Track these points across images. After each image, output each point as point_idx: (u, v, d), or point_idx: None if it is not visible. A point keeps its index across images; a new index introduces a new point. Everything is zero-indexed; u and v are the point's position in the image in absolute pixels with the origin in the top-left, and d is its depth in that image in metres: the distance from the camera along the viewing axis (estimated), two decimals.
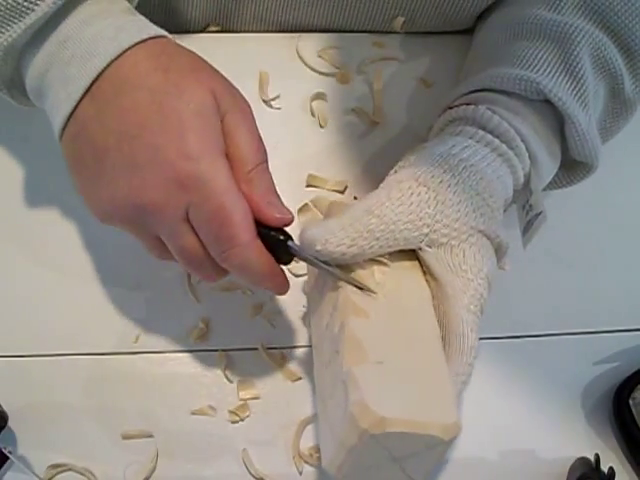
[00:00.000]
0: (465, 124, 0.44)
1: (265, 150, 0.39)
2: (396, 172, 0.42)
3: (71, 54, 0.36)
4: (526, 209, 0.44)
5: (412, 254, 0.41)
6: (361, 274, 0.38)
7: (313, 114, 0.56)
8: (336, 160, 0.55)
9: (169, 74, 0.36)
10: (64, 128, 0.37)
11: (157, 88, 0.36)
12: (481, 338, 0.51)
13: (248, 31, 0.58)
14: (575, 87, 0.44)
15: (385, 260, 0.40)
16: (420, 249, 0.39)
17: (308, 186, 0.54)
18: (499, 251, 0.41)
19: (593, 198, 0.55)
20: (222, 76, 0.39)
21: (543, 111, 0.44)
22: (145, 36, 0.37)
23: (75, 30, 0.37)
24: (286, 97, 0.56)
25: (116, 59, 0.36)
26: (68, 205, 0.52)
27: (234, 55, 0.57)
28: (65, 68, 0.36)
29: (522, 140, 0.43)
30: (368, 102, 0.57)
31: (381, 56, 0.58)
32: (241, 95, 0.39)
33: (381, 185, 0.41)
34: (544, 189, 0.48)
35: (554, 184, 0.49)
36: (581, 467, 0.47)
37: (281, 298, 0.51)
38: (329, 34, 0.58)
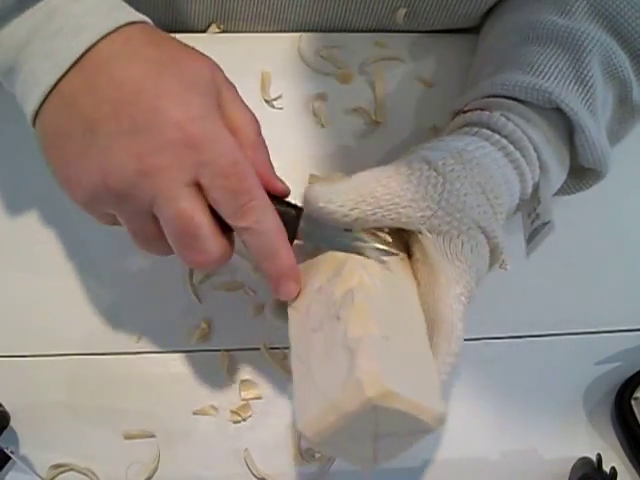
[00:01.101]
0: (480, 127, 0.44)
1: (259, 124, 0.39)
2: (407, 154, 0.42)
3: (58, 27, 0.35)
4: (532, 217, 0.44)
5: (403, 246, 0.41)
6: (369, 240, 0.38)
7: (315, 114, 0.56)
8: (338, 160, 0.55)
9: (164, 48, 0.36)
10: (43, 102, 0.35)
11: (154, 59, 0.35)
12: (482, 338, 0.52)
13: (250, 31, 0.58)
14: (585, 95, 0.44)
15: (388, 237, 0.40)
16: (420, 232, 0.39)
17: None
18: (494, 252, 0.41)
19: (593, 198, 0.55)
20: (209, 57, 0.39)
21: (554, 119, 0.44)
22: (139, 18, 0.37)
23: (62, 4, 0.35)
24: (288, 97, 0.56)
25: (109, 34, 0.35)
26: (67, 204, 0.52)
27: (236, 55, 0.57)
28: (49, 41, 0.35)
29: (534, 149, 0.43)
30: (370, 102, 0.57)
31: (383, 56, 0.58)
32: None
33: (390, 164, 0.40)
34: (553, 196, 0.48)
35: (562, 191, 0.49)
36: (583, 467, 0.47)
37: None
38: (331, 34, 0.58)
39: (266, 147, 0.40)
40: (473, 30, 0.58)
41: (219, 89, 0.37)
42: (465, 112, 0.46)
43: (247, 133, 0.38)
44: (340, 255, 0.38)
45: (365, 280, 0.36)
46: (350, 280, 0.36)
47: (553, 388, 0.51)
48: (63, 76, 0.35)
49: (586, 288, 0.54)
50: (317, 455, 0.47)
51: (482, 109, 0.45)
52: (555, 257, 0.54)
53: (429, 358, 0.36)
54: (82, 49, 0.34)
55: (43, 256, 0.51)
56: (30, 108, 0.36)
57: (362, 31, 0.58)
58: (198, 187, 0.35)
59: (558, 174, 0.46)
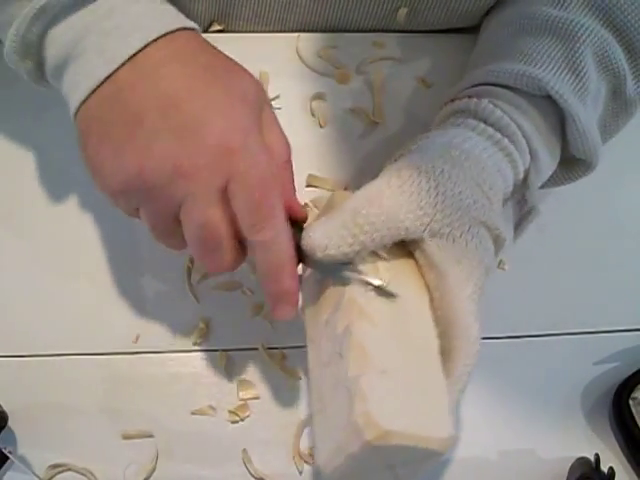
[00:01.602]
0: (467, 117, 0.44)
1: (291, 149, 0.40)
2: (396, 160, 0.42)
3: (115, 25, 0.36)
4: (521, 204, 0.44)
5: (407, 251, 0.40)
6: (367, 271, 0.38)
7: (313, 114, 0.56)
8: (336, 160, 0.55)
9: (216, 58, 0.38)
10: (91, 93, 0.36)
11: (207, 67, 0.36)
12: (481, 338, 0.51)
13: (248, 31, 0.58)
14: (577, 84, 0.44)
15: (385, 255, 0.39)
16: (422, 240, 0.38)
17: (308, 186, 0.54)
18: (497, 243, 0.41)
19: (593, 198, 0.55)
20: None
21: (544, 107, 0.44)
22: (188, 26, 0.38)
23: (123, 3, 0.36)
24: (286, 97, 0.56)
25: (165, 35, 0.36)
26: (67, 205, 0.52)
27: (234, 55, 0.56)
28: (105, 38, 0.36)
29: (523, 135, 0.43)
30: (368, 102, 0.57)
31: (381, 56, 0.58)
32: None
33: (380, 174, 0.40)
34: (543, 186, 0.48)
35: (553, 181, 0.49)
36: (581, 467, 0.47)
37: None
38: (329, 34, 0.58)
39: (293, 173, 0.41)
40: (472, 30, 0.58)
41: (262, 107, 0.38)
42: (454, 100, 0.46)
43: (280, 155, 0.39)
44: (339, 282, 0.38)
45: (365, 310, 0.36)
46: (348, 314, 0.36)
47: (551, 388, 0.51)
48: (114, 72, 0.35)
49: (584, 288, 0.54)
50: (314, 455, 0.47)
51: (470, 97, 0.45)
52: (553, 257, 0.54)
53: (437, 379, 0.36)
54: (137, 47, 0.35)
55: (43, 256, 0.51)
56: (77, 98, 0.36)
57: (361, 31, 0.58)
58: (226, 195, 0.36)
59: (548, 162, 0.45)
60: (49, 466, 0.46)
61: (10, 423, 0.46)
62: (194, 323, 0.50)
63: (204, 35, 0.57)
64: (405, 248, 0.40)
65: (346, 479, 0.34)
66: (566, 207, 0.54)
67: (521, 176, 0.43)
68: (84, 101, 0.36)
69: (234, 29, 0.58)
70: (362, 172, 0.54)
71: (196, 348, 0.49)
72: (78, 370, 0.48)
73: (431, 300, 0.39)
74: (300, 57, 0.57)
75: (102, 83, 0.35)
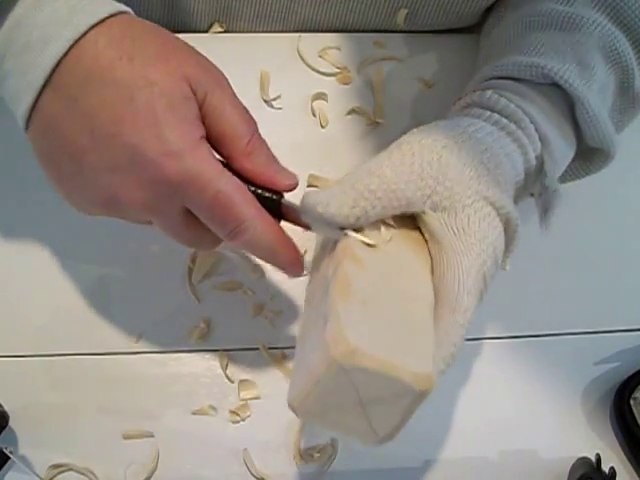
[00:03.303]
0: (473, 107, 0.44)
1: (254, 120, 0.39)
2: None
3: (25, 41, 0.34)
4: (542, 194, 0.43)
5: (415, 226, 0.40)
6: (367, 232, 0.37)
7: (314, 114, 0.56)
8: (337, 160, 0.55)
9: (135, 63, 0.34)
10: (29, 119, 0.36)
11: (125, 82, 0.34)
12: (481, 338, 0.52)
13: (250, 31, 0.58)
14: (583, 73, 0.43)
15: (392, 223, 0.39)
16: (424, 212, 0.38)
17: (309, 186, 0.54)
18: (508, 227, 0.40)
19: (593, 198, 0.55)
20: (192, 53, 0.37)
21: (552, 95, 0.44)
22: (103, 15, 0.34)
23: (26, 14, 0.34)
24: (287, 97, 0.56)
25: (74, 45, 0.34)
26: (67, 205, 0.52)
27: (235, 55, 0.57)
28: (21, 56, 0.34)
29: (531, 121, 0.42)
30: (369, 102, 0.57)
31: (382, 56, 0.58)
32: (215, 68, 0.38)
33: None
34: (565, 181, 0.48)
35: (573, 174, 0.49)
36: (582, 467, 0.47)
37: (281, 298, 0.51)
38: (330, 34, 0.58)
39: (264, 142, 0.39)
40: (473, 30, 0.58)
41: (204, 96, 0.36)
42: (461, 98, 0.46)
43: (242, 137, 0.37)
44: (337, 242, 0.37)
45: (356, 254, 0.35)
46: (341, 257, 0.35)
47: (552, 388, 0.51)
48: (39, 96, 0.34)
49: (585, 288, 0.54)
50: (316, 455, 0.47)
51: (476, 91, 0.44)
52: (553, 257, 0.54)
53: (425, 327, 0.34)
54: (50, 65, 0.34)
55: (42, 256, 0.51)
56: (20, 122, 0.36)
57: (362, 31, 0.58)
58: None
59: (562, 147, 0.45)
60: (50, 466, 0.46)
61: (11, 423, 0.46)
62: (195, 323, 0.50)
63: (204, 35, 0.58)
64: (414, 222, 0.40)
65: (315, 418, 0.32)
66: (566, 207, 0.54)
67: (533, 163, 0.42)
68: (26, 128, 0.36)
69: (235, 29, 0.58)
70: None
71: (197, 348, 0.49)
72: (79, 370, 0.48)
73: (433, 274, 0.38)
74: (301, 57, 0.57)
75: (33, 108, 0.35)
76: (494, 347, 0.51)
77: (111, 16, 0.35)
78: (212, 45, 0.57)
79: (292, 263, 0.39)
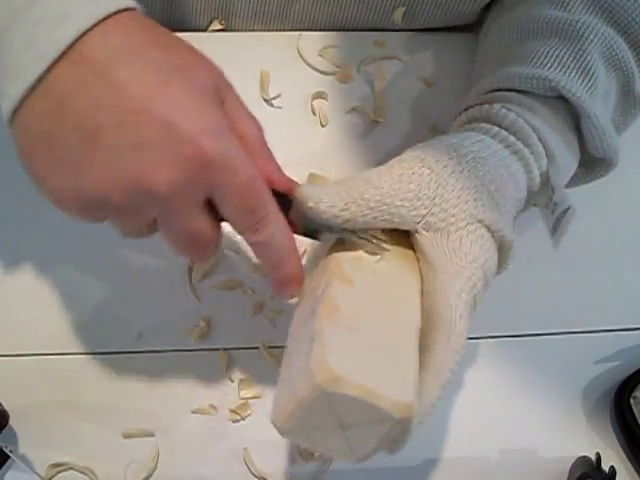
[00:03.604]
0: (480, 122, 0.43)
1: (262, 127, 0.39)
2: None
3: (41, 13, 0.30)
4: (551, 208, 0.43)
5: (410, 243, 0.40)
6: (358, 244, 0.38)
7: (314, 113, 0.56)
8: (337, 159, 0.55)
9: (170, 50, 0.33)
10: (26, 99, 0.31)
11: (159, 63, 0.31)
12: (481, 337, 0.52)
13: (248, 29, 0.58)
14: (587, 83, 0.43)
15: (382, 236, 0.39)
16: (416, 231, 0.38)
17: None
18: (502, 248, 0.40)
19: (593, 198, 0.55)
20: (212, 60, 0.37)
21: (557, 107, 0.44)
22: (129, 4, 0.32)
23: None
24: (287, 96, 0.56)
25: (101, 22, 0.31)
26: None
27: (235, 54, 0.57)
28: (31, 28, 0.30)
29: (538, 138, 0.42)
30: (369, 101, 0.57)
31: (382, 55, 0.58)
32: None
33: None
34: (566, 186, 0.48)
35: (573, 182, 0.49)
36: (582, 466, 0.47)
37: None
38: (330, 33, 0.58)
39: (269, 149, 0.39)
40: (472, 28, 0.58)
41: (224, 96, 0.35)
42: (466, 110, 0.46)
43: (254, 141, 0.37)
44: (329, 252, 0.38)
45: (346, 273, 0.36)
46: (330, 275, 0.36)
47: (552, 387, 0.51)
48: (49, 70, 0.30)
49: (585, 287, 0.54)
50: (316, 454, 0.47)
51: (482, 104, 0.44)
52: (553, 257, 0.54)
53: (409, 353, 0.35)
54: (70, 38, 0.30)
55: (42, 256, 0.51)
56: (7, 105, 0.31)
57: (360, 29, 0.58)
58: (210, 203, 0.34)
59: (568, 162, 0.45)
60: (50, 465, 0.46)
61: (11, 422, 0.46)
62: (195, 322, 0.50)
63: (204, 34, 0.58)
64: (406, 237, 0.40)
65: (296, 436, 0.33)
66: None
67: (537, 181, 0.43)
68: (17, 109, 0.31)
69: (234, 27, 0.58)
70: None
71: (197, 347, 0.49)
72: (79, 369, 0.48)
73: (423, 293, 0.39)
74: (301, 56, 0.57)
75: (35, 85, 0.30)
76: (493, 347, 0.51)
77: (133, 9, 0.33)
78: (212, 44, 0.57)
79: (294, 277, 0.38)
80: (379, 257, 0.38)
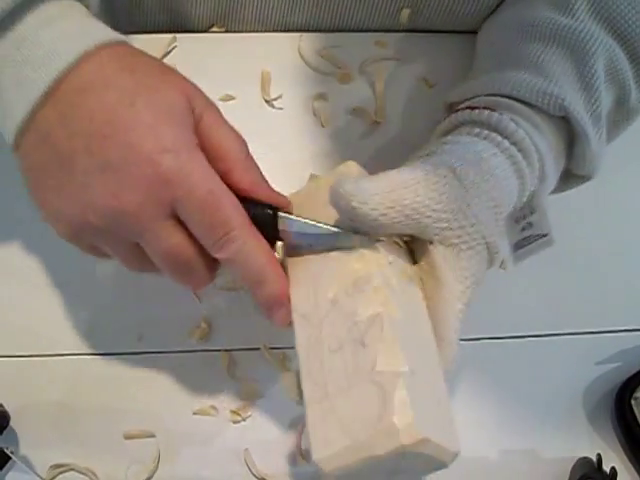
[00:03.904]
0: (487, 129, 0.42)
1: (246, 142, 0.39)
2: (428, 155, 0.41)
3: (27, 55, 0.34)
4: (522, 224, 0.43)
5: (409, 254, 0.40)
6: (368, 251, 0.37)
7: (315, 114, 0.56)
8: (338, 160, 0.55)
9: (137, 75, 0.35)
10: (20, 135, 0.35)
11: (127, 88, 0.34)
12: (481, 338, 0.52)
13: (250, 31, 0.58)
14: (589, 101, 0.43)
15: (400, 242, 0.39)
16: (431, 243, 0.38)
17: None
18: (491, 263, 0.41)
19: (593, 198, 0.55)
20: (189, 80, 0.38)
21: (559, 127, 0.43)
22: (108, 39, 0.35)
23: (33, 30, 0.34)
24: (288, 97, 0.56)
25: (79, 61, 0.34)
26: None
27: (236, 55, 0.57)
28: (20, 69, 0.34)
29: (538, 159, 0.42)
30: (370, 102, 0.56)
31: (383, 56, 0.58)
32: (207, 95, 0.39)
33: (412, 165, 0.39)
34: None
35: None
36: (583, 467, 0.47)
37: None
38: (331, 34, 0.58)
39: (257, 165, 0.39)
40: (475, 31, 0.58)
41: (200, 115, 0.36)
42: (472, 108, 0.44)
43: (240, 152, 0.37)
44: (356, 265, 0.36)
45: (390, 301, 0.35)
46: (376, 301, 0.35)
47: (553, 388, 0.51)
48: (37, 108, 0.34)
49: (586, 288, 0.54)
50: None
51: (490, 108, 0.43)
52: (554, 257, 0.54)
53: (442, 385, 0.35)
54: (51, 79, 0.33)
55: (43, 256, 0.51)
56: (9, 141, 0.35)
57: (363, 31, 0.58)
58: (178, 219, 0.35)
59: (553, 181, 0.45)
60: (51, 466, 0.46)
61: (12, 423, 0.46)
62: (196, 323, 0.50)
63: (204, 35, 0.58)
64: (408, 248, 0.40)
65: (340, 478, 0.32)
66: (565, 207, 0.54)
67: (524, 199, 0.43)
68: (15, 145, 0.35)
69: (236, 30, 0.58)
70: None
71: (198, 348, 0.49)
72: (80, 370, 0.49)
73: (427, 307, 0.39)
74: (302, 57, 0.57)
75: (27, 122, 0.34)
76: (494, 347, 0.51)
77: (116, 44, 0.36)
78: (213, 45, 0.57)
79: (278, 298, 0.37)
80: (391, 261, 0.38)
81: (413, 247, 0.40)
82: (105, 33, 0.36)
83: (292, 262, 0.39)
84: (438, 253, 0.38)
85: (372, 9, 0.56)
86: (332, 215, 0.37)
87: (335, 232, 0.37)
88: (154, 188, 0.33)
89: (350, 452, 0.31)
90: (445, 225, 0.37)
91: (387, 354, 0.33)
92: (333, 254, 0.38)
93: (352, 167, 0.40)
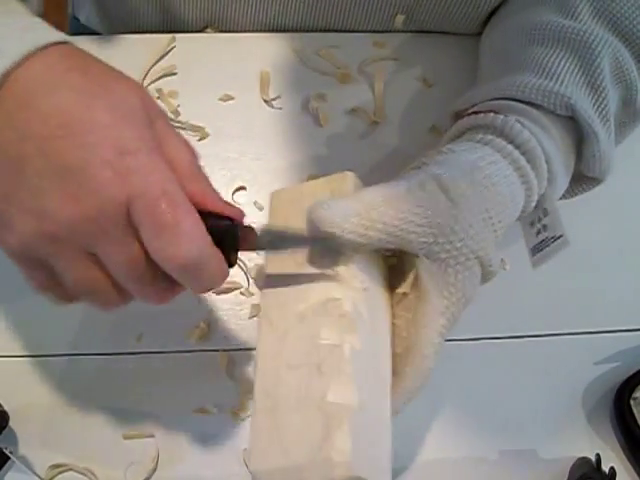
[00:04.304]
0: (492, 134, 0.42)
1: (196, 153, 0.37)
2: (419, 167, 0.40)
3: None
4: (537, 227, 0.43)
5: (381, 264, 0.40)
6: (345, 273, 0.36)
7: (314, 114, 0.56)
8: (337, 160, 0.55)
9: (90, 74, 0.32)
10: None
11: (81, 88, 0.32)
12: (481, 338, 0.52)
13: (243, 31, 0.58)
14: (597, 101, 0.43)
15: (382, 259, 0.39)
16: (417, 257, 0.37)
17: None
18: (485, 277, 0.40)
19: (593, 198, 0.55)
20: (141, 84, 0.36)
21: (566, 127, 0.43)
22: (54, 39, 0.33)
23: None
24: (287, 97, 0.56)
25: (24, 60, 0.31)
26: None
27: (235, 55, 0.57)
28: None
29: (546, 160, 0.41)
30: (369, 102, 0.57)
31: (382, 56, 0.58)
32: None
33: (401, 178, 0.39)
34: None
35: (561, 196, 0.48)
36: (582, 467, 0.47)
37: None
38: (330, 34, 0.58)
39: (206, 178, 0.36)
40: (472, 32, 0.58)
41: (152, 119, 0.34)
42: (477, 113, 0.44)
43: (185, 164, 0.35)
44: (330, 285, 0.36)
45: (355, 330, 0.35)
46: (340, 328, 0.35)
47: (552, 388, 0.51)
48: None
49: (585, 288, 0.54)
50: None
51: (494, 112, 0.43)
52: (554, 258, 0.54)
53: (388, 423, 0.36)
54: None
55: None
56: None
57: (361, 31, 0.58)
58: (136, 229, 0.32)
59: (563, 183, 0.44)
60: (50, 466, 0.46)
61: (11, 423, 0.46)
62: (195, 323, 0.50)
63: (203, 35, 0.58)
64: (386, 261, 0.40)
65: None
66: (565, 207, 0.54)
67: (533, 204, 0.42)
68: None
69: (228, 31, 0.58)
70: (363, 172, 0.54)
71: (197, 348, 0.49)
72: (79, 370, 0.49)
73: (393, 324, 0.39)
74: (301, 57, 0.57)
75: None
76: (494, 347, 0.51)
77: (60, 43, 0.33)
78: (212, 45, 0.57)
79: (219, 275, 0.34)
80: (365, 288, 0.37)
81: (401, 257, 0.39)
82: (50, 33, 0.33)
83: (270, 260, 0.39)
84: (423, 267, 0.37)
85: (366, 15, 0.56)
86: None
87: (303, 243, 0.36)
88: (114, 190, 0.31)
89: (285, 473, 0.32)
90: (432, 240, 0.37)
91: (340, 387, 0.33)
92: (311, 264, 0.37)
93: (348, 179, 0.39)
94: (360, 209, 0.35)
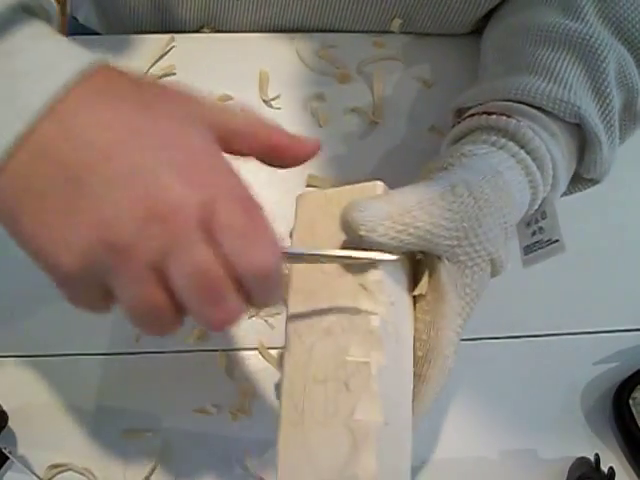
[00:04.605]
0: (504, 137, 0.42)
1: None
2: (446, 169, 0.40)
3: (22, 66, 0.29)
4: (533, 228, 0.43)
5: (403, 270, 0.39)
6: (374, 285, 0.36)
7: (313, 114, 0.56)
8: (336, 160, 0.55)
9: (145, 86, 0.32)
10: (7, 156, 0.28)
11: (139, 98, 0.30)
12: (481, 338, 0.52)
13: (247, 31, 0.58)
14: (601, 107, 0.43)
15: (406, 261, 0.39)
16: (439, 259, 0.38)
17: (308, 186, 0.54)
18: (492, 276, 0.41)
19: (592, 198, 0.55)
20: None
21: (572, 134, 0.43)
22: (103, 59, 0.31)
23: (28, 41, 0.29)
24: (286, 97, 0.56)
25: (81, 74, 0.29)
26: None
27: (234, 55, 0.57)
28: (12, 82, 0.28)
29: (553, 167, 0.42)
30: (368, 102, 0.57)
31: (381, 56, 0.58)
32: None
33: (427, 180, 0.39)
34: None
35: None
36: (581, 467, 0.47)
37: None
38: (329, 34, 0.58)
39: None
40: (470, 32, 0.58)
41: (205, 114, 0.33)
42: (488, 113, 0.44)
43: (260, 120, 0.34)
44: (359, 297, 0.36)
45: (382, 347, 0.35)
46: (368, 344, 0.34)
47: (551, 388, 0.51)
48: (33, 125, 0.28)
49: (584, 288, 0.54)
50: None
51: (506, 115, 0.43)
52: (553, 257, 0.54)
53: (409, 438, 0.37)
54: (53, 92, 0.28)
55: None
56: None
57: (360, 32, 0.58)
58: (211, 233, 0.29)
59: (564, 187, 0.45)
60: (49, 466, 0.46)
61: (10, 423, 0.46)
62: (194, 323, 0.50)
63: (202, 35, 0.58)
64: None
65: None
66: (565, 207, 0.54)
67: (535, 207, 0.43)
68: (7, 158, 0.28)
69: (224, 31, 0.58)
70: (362, 172, 0.54)
71: (197, 348, 0.49)
72: (79, 370, 0.49)
73: (416, 327, 0.39)
74: (300, 57, 0.57)
75: (21, 139, 0.28)
76: (494, 347, 0.51)
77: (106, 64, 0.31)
78: (211, 45, 0.57)
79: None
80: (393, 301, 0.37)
81: (422, 258, 0.39)
82: (97, 56, 0.31)
83: (296, 270, 0.39)
84: (444, 269, 0.38)
85: (364, 16, 0.56)
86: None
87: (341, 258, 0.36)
88: (184, 191, 0.29)
89: None
90: (456, 243, 0.37)
91: (367, 404, 0.33)
92: (338, 275, 0.36)
93: (378, 188, 0.38)
94: (393, 212, 0.35)
